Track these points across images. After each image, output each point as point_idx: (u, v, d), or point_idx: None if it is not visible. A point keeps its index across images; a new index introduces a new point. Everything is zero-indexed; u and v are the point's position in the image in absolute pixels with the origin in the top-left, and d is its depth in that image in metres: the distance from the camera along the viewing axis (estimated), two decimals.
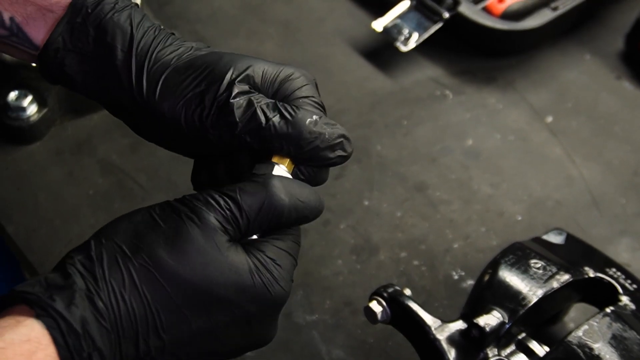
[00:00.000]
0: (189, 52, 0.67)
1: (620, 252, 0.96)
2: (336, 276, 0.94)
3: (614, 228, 0.99)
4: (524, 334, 0.77)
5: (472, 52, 1.16)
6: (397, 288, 0.78)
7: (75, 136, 1.07)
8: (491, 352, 0.76)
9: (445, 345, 0.75)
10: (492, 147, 1.07)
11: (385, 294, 0.78)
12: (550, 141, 1.07)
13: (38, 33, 0.68)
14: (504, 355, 0.76)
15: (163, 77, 0.66)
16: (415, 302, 0.77)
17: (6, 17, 0.68)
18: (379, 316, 0.78)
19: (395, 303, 0.77)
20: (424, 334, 0.76)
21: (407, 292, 0.78)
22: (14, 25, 0.68)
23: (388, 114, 1.10)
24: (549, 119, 1.10)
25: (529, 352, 0.76)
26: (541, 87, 1.13)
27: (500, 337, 0.76)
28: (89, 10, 0.67)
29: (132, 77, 0.66)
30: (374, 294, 0.78)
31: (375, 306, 0.78)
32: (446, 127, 1.09)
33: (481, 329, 0.75)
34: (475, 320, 0.75)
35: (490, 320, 0.75)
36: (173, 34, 0.69)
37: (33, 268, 0.96)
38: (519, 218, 0.99)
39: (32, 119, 1.05)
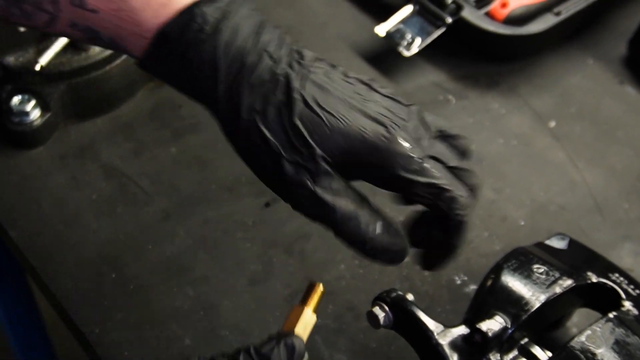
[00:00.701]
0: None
1: (623, 256, 0.96)
2: (339, 281, 0.94)
3: (617, 233, 0.98)
4: (526, 339, 0.77)
5: (475, 57, 1.16)
6: (400, 293, 0.78)
7: (78, 140, 1.07)
8: (494, 357, 0.75)
9: (447, 350, 0.75)
10: (494, 151, 1.07)
11: (387, 299, 0.78)
12: (553, 146, 1.07)
13: (135, 49, 0.69)
14: None
15: None
16: (418, 307, 0.77)
17: (105, 36, 0.69)
18: (382, 321, 0.78)
19: (398, 308, 0.77)
20: (426, 339, 0.76)
21: (410, 297, 0.78)
22: (113, 42, 0.69)
23: None
24: (552, 123, 1.10)
25: (532, 357, 0.76)
26: (544, 92, 1.13)
27: (502, 342, 0.76)
28: (173, 39, 0.67)
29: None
30: (377, 299, 0.78)
31: (378, 311, 0.78)
32: None
33: (483, 334, 0.75)
34: (477, 325, 0.75)
35: (492, 325, 0.75)
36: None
37: (36, 273, 0.96)
38: (522, 223, 0.99)
39: (35, 123, 1.04)
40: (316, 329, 0.90)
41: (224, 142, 1.08)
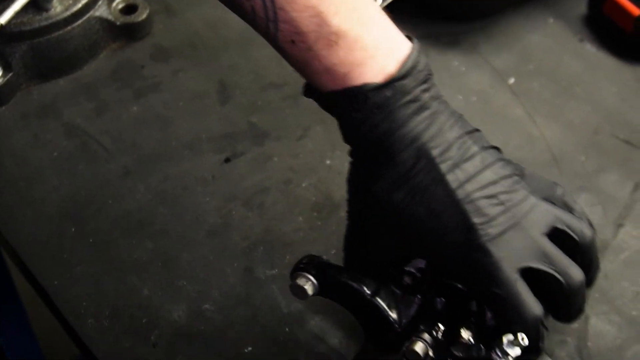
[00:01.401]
0: None
1: None
2: (296, 232, 0.95)
3: (573, 184, 0.99)
4: None
5: (437, 17, 1.17)
6: (320, 257, 0.77)
7: (40, 100, 1.08)
8: (425, 296, 0.76)
9: (382, 300, 0.75)
10: (454, 108, 1.07)
11: (309, 267, 0.76)
12: (512, 102, 1.08)
13: (308, 80, 0.74)
14: (435, 299, 0.77)
15: None
16: (340, 267, 0.77)
17: (290, 64, 0.74)
18: (309, 291, 0.76)
19: (322, 274, 0.76)
20: (358, 296, 0.75)
21: (324, 258, 0.77)
22: (296, 68, 0.74)
23: None
24: (511, 80, 1.11)
25: (456, 291, 0.76)
26: (504, 50, 1.14)
27: (432, 280, 0.77)
28: (330, 104, 0.71)
29: None
30: (297, 270, 0.76)
31: (302, 282, 0.76)
32: None
33: (412, 274, 0.76)
34: (406, 268, 0.76)
35: (419, 264, 0.76)
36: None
37: None
38: None
39: None
40: (273, 279, 0.91)
41: (185, 100, 1.09)
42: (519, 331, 0.70)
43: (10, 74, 1.06)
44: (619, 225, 0.96)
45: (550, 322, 0.87)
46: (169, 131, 1.05)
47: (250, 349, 0.87)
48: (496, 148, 0.75)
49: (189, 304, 0.90)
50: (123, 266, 0.93)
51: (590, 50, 1.14)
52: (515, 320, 0.71)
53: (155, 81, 1.10)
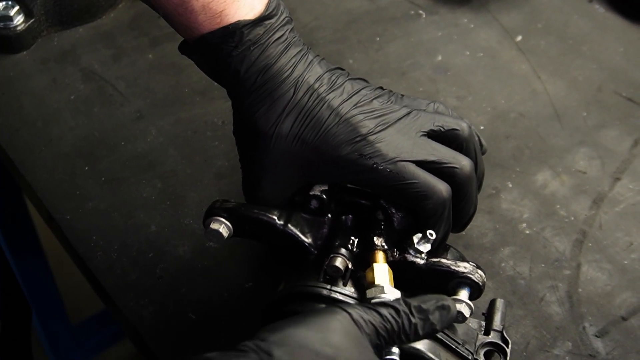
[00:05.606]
0: None
1: (577, 160, 0.99)
2: None
3: (573, 138, 1.01)
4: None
5: None
6: (226, 200, 0.79)
7: (60, 46, 1.12)
8: (334, 214, 0.80)
9: (294, 228, 0.78)
10: (460, 63, 1.10)
11: (219, 211, 0.78)
12: (518, 58, 1.10)
13: (180, 34, 0.80)
14: (344, 217, 0.80)
15: None
16: (248, 204, 0.79)
17: (160, 12, 0.79)
18: (225, 234, 0.78)
19: (232, 214, 0.78)
20: (271, 229, 0.78)
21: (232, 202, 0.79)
22: (166, 18, 0.79)
23: (362, 31, 1.13)
24: (519, 38, 1.12)
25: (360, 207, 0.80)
26: (514, 9, 1.16)
27: (338, 198, 0.80)
28: (212, 45, 0.76)
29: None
30: (210, 215, 0.78)
31: (217, 225, 0.77)
32: (418, 44, 1.12)
33: (318, 197, 0.78)
34: (310, 193, 0.79)
35: (323, 186, 0.79)
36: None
37: (13, 165, 1.00)
38: (482, 127, 1.02)
39: (18, 28, 1.09)
40: None
41: None
42: (430, 216, 0.77)
43: (31, 20, 1.10)
44: (617, 179, 0.98)
45: (541, 268, 0.90)
46: (182, 78, 1.08)
47: (250, 284, 0.90)
48: (363, 79, 0.81)
49: (194, 241, 0.93)
50: (132, 203, 0.96)
51: (599, 10, 1.16)
52: (427, 197, 0.76)
53: (171, 31, 1.10)
